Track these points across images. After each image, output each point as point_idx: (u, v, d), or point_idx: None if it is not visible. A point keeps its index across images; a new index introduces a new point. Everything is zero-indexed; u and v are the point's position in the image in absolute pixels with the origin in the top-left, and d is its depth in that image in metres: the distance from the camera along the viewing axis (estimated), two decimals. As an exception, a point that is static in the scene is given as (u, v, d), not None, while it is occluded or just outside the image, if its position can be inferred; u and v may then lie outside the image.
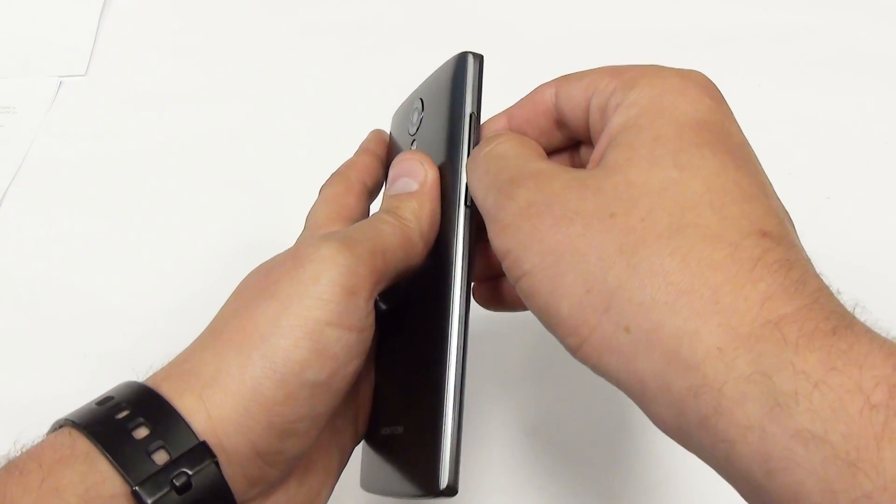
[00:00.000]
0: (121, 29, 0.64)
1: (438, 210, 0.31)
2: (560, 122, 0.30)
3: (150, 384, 0.26)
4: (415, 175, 0.31)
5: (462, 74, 0.31)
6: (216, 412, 0.25)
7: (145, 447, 0.24)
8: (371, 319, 0.28)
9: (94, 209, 0.53)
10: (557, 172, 0.26)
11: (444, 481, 0.26)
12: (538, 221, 0.25)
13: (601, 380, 0.45)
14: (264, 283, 0.27)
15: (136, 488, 0.23)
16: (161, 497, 0.23)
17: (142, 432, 0.24)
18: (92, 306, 0.49)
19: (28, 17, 0.65)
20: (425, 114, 0.32)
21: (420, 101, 0.33)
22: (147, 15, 0.65)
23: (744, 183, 0.24)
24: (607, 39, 0.61)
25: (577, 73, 0.30)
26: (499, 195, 0.26)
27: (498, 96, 0.59)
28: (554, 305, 0.24)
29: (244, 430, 0.25)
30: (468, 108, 0.30)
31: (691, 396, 0.21)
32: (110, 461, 0.23)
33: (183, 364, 0.26)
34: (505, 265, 0.26)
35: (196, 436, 0.24)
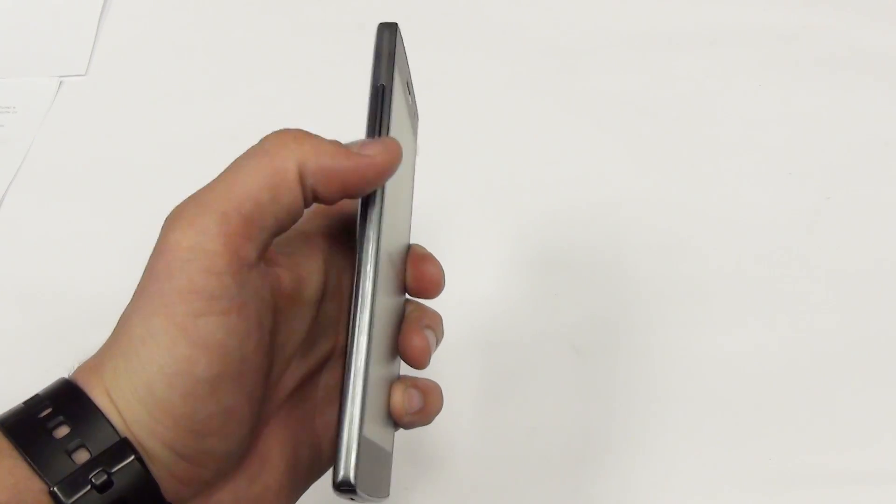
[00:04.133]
0: (121, 29, 0.64)
1: (355, 170, 0.26)
2: None
3: (74, 377, 0.25)
4: (367, 145, 0.27)
5: (375, 47, 0.29)
6: (127, 415, 0.24)
7: (65, 446, 0.24)
8: (251, 289, 0.25)
9: (94, 209, 0.53)
10: None
11: (339, 475, 0.25)
12: None
13: (601, 380, 0.45)
14: (142, 278, 0.26)
15: (54, 489, 0.23)
16: (80, 497, 0.23)
17: (62, 431, 0.24)
18: (92, 306, 0.49)
19: (28, 17, 0.65)
20: None
21: None
22: (147, 15, 0.65)
23: None
24: (608, 39, 0.61)
25: None
26: None
27: (499, 94, 0.59)
28: None
29: (155, 434, 0.24)
30: (376, 80, 0.29)
31: None
32: (28, 462, 0.23)
33: (95, 359, 0.26)
34: None
35: (117, 433, 0.24)
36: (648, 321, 0.47)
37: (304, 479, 0.30)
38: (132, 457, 0.24)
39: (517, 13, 0.64)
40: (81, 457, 0.24)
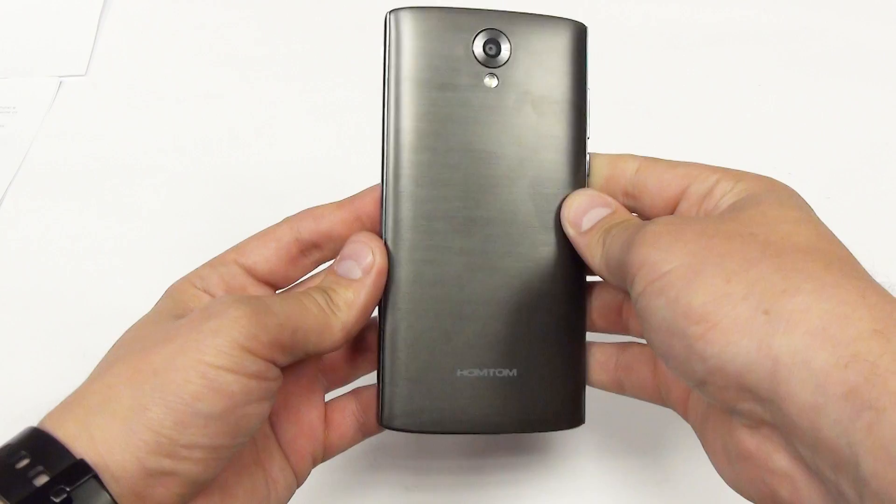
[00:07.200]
0: (121, 29, 0.64)
1: (374, 303, 0.32)
2: (630, 194, 0.34)
3: (39, 423, 0.27)
4: (361, 260, 0.32)
5: (583, 48, 0.33)
6: (99, 433, 0.26)
7: (26, 473, 0.25)
8: (275, 373, 0.29)
9: (94, 209, 0.53)
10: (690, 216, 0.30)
11: (583, 415, 0.33)
12: (681, 232, 0.27)
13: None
14: (165, 330, 0.28)
15: None
16: None
17: (23, 462, 0.25)
18: (92, 306, 0.49)
19: (28, 17, 0.65)
20: (518, 57, 0.33)
21: (504, 35, 0.33)
22: (147, 15, 0.65)
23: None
24: (607, 38, 0.61)
25: (665, 160, 0.33)
26: (636, 229, 0.29)
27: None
28: (687, 296, 0.25)
29: (129, 448, 0.26)
30: (588, 86, 0.34)
31: (838, 368, 0.22)
32: None
33: (70, 398, 0.27)
34: (639, 276, 0.27)
35: (72, 455, 0.25)
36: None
37: None
38: (89, 475, 0.25)
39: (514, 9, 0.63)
40: (42, 481, 0.25)
